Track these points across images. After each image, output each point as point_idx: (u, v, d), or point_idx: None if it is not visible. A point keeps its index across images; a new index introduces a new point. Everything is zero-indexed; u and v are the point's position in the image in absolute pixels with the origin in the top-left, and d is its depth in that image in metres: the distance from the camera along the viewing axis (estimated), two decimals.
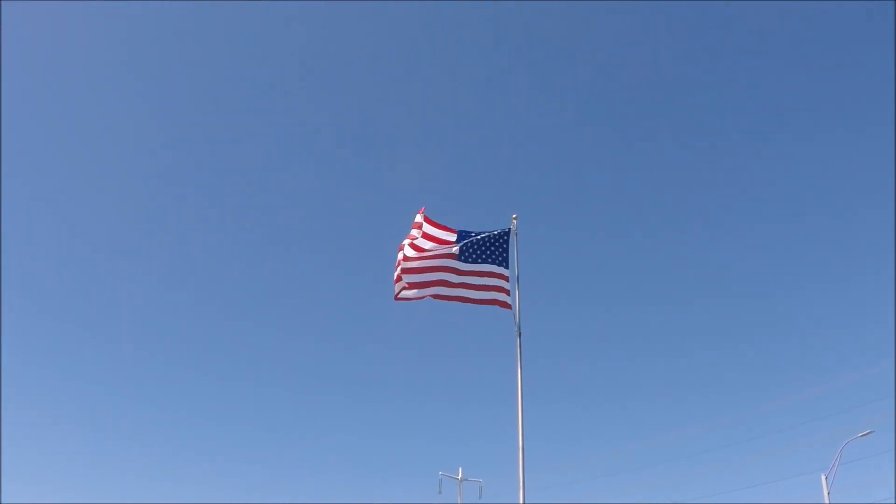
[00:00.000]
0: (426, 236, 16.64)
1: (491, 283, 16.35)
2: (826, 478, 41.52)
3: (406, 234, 16.90)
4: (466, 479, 48.53)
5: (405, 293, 16.52)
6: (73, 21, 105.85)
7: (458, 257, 16.43)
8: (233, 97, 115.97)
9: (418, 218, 16.91)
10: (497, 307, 16.32)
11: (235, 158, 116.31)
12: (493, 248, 16.56)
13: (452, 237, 16.58)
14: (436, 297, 16.42)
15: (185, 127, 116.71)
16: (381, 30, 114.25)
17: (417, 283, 16.40)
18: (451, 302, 16.42)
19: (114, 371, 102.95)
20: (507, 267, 16.49)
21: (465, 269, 16.41)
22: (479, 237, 16.58)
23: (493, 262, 16.48)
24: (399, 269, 16.47)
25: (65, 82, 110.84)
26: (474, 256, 16.47)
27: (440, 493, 47.34)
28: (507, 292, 16.27)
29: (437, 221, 16.88)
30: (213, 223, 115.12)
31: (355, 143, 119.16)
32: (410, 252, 16.48)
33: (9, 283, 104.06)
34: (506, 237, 16.71)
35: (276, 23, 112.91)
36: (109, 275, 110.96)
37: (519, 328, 16.09)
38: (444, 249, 16.46)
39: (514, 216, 17.03)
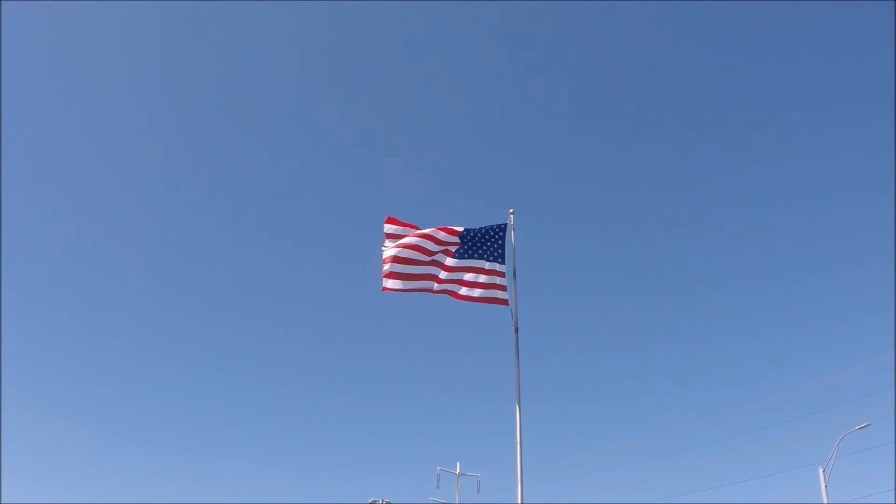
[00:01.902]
0: (422, 235, 16.58)
1: (487, 281, 16.30)
2: (823, 471, 41.57)
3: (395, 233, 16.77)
4: (464, 474, 48.54)
5: (392, 283, 16.40)
6: (73, 21, 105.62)
7: (453, 254, 16.41)
8: (233, 97, 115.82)
9: (389, 228, 16.69)
10: (495, 305, 16.27)
11: (235, 157, 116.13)
12: (488, 245, 16.51)
13: (452, 238, 16.51)
14: (431, 291, 16.39)
15: (185, 126, 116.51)
16: (379, 27, 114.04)
17: (410, 274, 16.37)
18: (447, 297, 16.38)
19: (113, 370, 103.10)
20: (503, 263, 16.45)
21: (461, 265, 16.39)
22: (479, 234, 16.53)
23: (488, 259, 16.43)
24: (390, 262, 16.35)
25: (65, 82, 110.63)
26: (470, 253, 16.44)
27: (438, 487, 47.36)
28: (504, 289, 16.22)
29: (412, 222, 16.79)
30: (212, 222, 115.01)
31: (352, 139, 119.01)
32: (407, 244, 16.43)
33: (9, 283, 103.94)
34: (502, 233, 16.65)
35: (276, 22, 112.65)
36: (109, 274, 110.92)
37: (516, 324, 16.06)
38: (441, 246, 16.44)
39: (510, 211, 17.01)
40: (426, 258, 16.44)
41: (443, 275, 16.40)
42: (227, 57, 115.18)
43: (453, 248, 16.43)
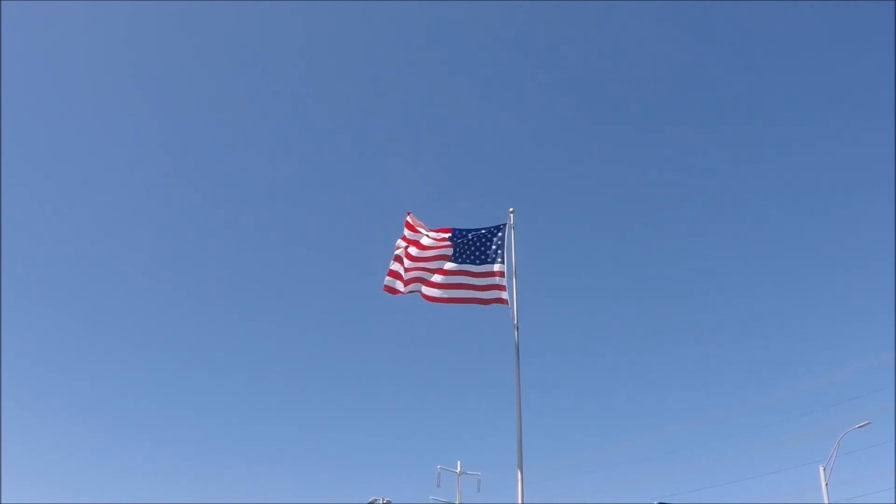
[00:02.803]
0: (416, 240, 16.69)
1: (486, 283, 16.29)
2: (824, 469, 41.56)
3: (399, 233, 16.97)
4: (465, 473, 48.50)
5: (395, 285, 16.57)
6: (73, 21, 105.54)
7: (451, 258, 16.42)
8: (233, 96, 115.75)
9: (409, 219, 16.93)
10: (494, 304, 16.27)
11: (234, 157, 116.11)
12: (487, 246, 16.49)
13: (446, 236, 16.59)
14: (431, 298, 16.39)
15: (185, 126, 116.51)
16: (379, 27, 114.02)
17: (410, 279, 16.47)
18: (463, 304, 16.39)
19: (113, 370, 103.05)
20: (502, 263, 16.42)
21: (460, 269, 16.39)
22: (472, 236, 16.54)
23: (487, 261, 16.42)
24: (393, 265, 16.58)
25: (65, 82, 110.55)
26: (468, 256, 16.43)
27: (438, 486, 47.27)
28: (504, 288, 16.19)
29: (422, 222, 16.96)
30: (212, 222, 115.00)
31: (352, 138, 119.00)
32: (405, 251, 16.58)
33: (9, 283, 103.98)
34: (500, 233, 16.63)
35: (276, 22, 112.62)
36: (109, 274, 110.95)
37: (517, 323, 16.05)
38: (439, 251, 16.49)
39: (510, 210, 17.00)
40: (419, 262, 16.53)
41: (435, 278, 16.43)
42: (227, 57, 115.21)
43: (447, 252, 16.48)
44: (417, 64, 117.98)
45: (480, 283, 16.29)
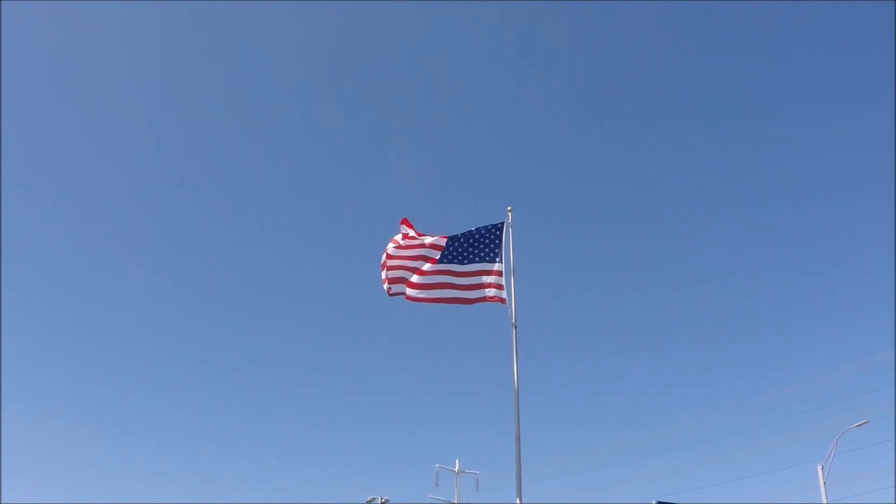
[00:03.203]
0: (411, 239, 16.74)
1: (471, 282, 16.29)
2: (822, 468, 41.57)
3: (392, 237, 17.08)
4: (463, 472, 48.46)
5: (396, 288, 16.62)
6: (73, 21, 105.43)
7: (447, 259, 16.43)
8: (233, 96, 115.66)
9: (404, 229, 16.98)
10: (483, 304, 16.28)
11: (235, 156, 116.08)
12: (483, 246, 16.49)
13: (432, 240, 16.66)
14: (413, 298, 16.39)
15: (186, 125, 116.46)
16: (378, 27, 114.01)
17: (394, 278, 16.53)
18: (445, 304, 16.40)
19: (113, 370, 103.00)
20: (492, 262, 16.40)
21: (439, 269, 16.41)
22: (463, 236, 16.56)
23: (483, 260, 16.42)
24: (385, 269, 16.62)
25: (65, 82, 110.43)
26: (451, 256, 16.45)
27: (437, 485, 47.20)
28: (501, 287, 16.18)
29: (419, 223, 17.13)
30: (213, 221, 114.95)
31: (351, 137, 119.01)
32: (395, 253, 16.65)
33: (9, 283, 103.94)
34: (497, 231, 16.62)
35: (275, 22, 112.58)
36: (109, 274, 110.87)
37: (514, 321, 16.05)
38: (421, 251, 16.54)
39: (508, 209, 16.99)
40: (400, 260, 16.59)
41: (414, 278, 16.45)
42: (228, 56, 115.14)
43: (430, 253, 16.52)
44: (417, 64, 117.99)
45: (463, 283, 16.29)
